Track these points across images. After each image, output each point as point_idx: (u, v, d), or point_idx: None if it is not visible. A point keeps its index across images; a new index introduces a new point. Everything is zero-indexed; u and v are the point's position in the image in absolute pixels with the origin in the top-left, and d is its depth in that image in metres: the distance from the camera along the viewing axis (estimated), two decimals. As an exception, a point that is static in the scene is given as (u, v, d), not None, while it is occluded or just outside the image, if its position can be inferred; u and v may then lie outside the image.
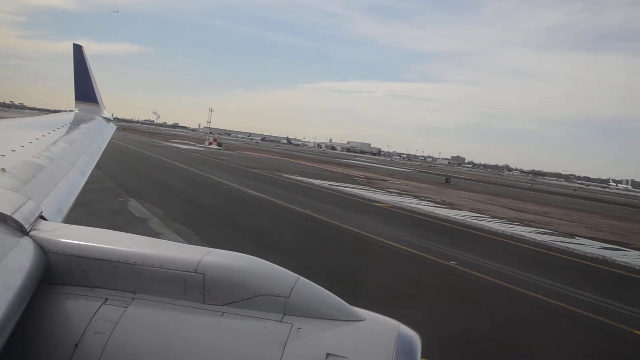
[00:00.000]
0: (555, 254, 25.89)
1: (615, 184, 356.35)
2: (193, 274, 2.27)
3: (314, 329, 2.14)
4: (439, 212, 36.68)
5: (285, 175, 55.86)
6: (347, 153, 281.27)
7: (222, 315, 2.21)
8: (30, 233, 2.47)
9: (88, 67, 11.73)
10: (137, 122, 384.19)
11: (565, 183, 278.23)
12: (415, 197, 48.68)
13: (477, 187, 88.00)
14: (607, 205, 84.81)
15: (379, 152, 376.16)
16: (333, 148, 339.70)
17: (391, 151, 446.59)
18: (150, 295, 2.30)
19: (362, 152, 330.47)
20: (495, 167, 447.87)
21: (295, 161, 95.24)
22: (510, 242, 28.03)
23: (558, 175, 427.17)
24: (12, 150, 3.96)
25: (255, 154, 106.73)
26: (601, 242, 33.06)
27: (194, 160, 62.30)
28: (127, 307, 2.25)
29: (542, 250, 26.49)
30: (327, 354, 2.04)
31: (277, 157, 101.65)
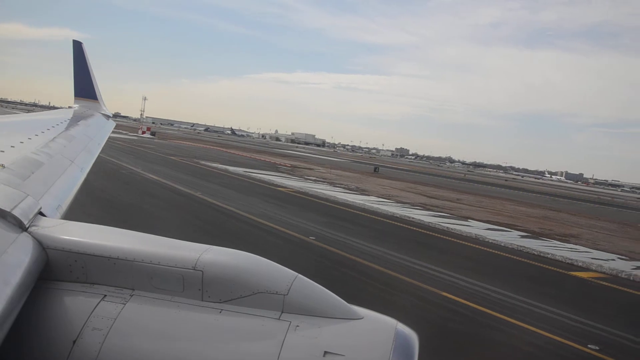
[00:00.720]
0: (430, 233, 26.92)
1: (549, 176, 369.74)
2: (192, 271, 2.28)
3: (312, 327, 2.15)
4: (341, 197, 37.17)
5: (203, 162, 55.42)
6: (290, 144, 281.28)
7: (220, 312, 2.22)
8: (29, 229, 2.47)
9: (88, 63, 11.65)
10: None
11: (502, 174, 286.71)
12: (331, 184, 49.25)
13: (406, 176, 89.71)
14: (527, 194, 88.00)
15: (323, 144, 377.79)
16: (277, 139, 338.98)
17: (336, 142, 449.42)
18: (148, 292, 2.31)
19: (307, 143, 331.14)
20: (439, 159, 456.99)
21: (226, 150, 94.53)
22: (392, 222, 28.87)
23: (498, 167, 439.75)
24: (12, 147, 3.94)
25: (188, 143, 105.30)
26: (492, 224, 34.39)
27: (112, 148, 61.14)
28: (125, 304, 2.25)
29: (417, 230, 27.49)
30: (325, 352, 2.05)
31: (210, 147, 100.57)
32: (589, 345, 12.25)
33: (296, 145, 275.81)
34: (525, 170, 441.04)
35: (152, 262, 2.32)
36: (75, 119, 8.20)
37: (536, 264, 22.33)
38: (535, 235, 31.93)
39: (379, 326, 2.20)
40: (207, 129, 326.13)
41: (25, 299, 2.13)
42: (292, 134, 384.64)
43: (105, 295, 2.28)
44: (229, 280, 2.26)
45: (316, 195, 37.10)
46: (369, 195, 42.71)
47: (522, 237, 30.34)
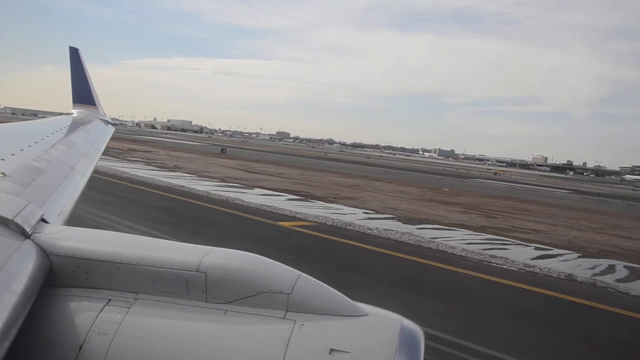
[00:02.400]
0: (176, 197, 29.19)
1: (422, 153, 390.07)
2: (195, 273, 2.30)
3: (317, 325, 2.17)
4: (140, 174, 38.64)
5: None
6: (164, 131, 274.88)
7: (225, 313, 2.25)
8: (32, 236, 2.49)
9: (85, 70, 11.55)
10: None
11: (376, 153, 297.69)
12: (147, 163, 50.32)
13: (252, 156, 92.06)
14: (372, 169, 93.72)
15: (201, 130, 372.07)
16: (153, 127, 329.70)
17: (216, 128, 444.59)
18: (153, 295, 2.33)
19: (184, 130, 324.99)
20: (320, 141, 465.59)
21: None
22: (157, 192, 30.73)
23: (376, 147, 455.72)
24: (12, 154, 3.94)
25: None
26: (275, 191, 37.35)
27: None
28: (130, 308, 2.28)
29: (167, 195, 29.84)
30: (331, 350, 2.07)
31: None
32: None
33: (174, 132, 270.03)
34: (403, 149, 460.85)
35: (155, 266, 2.34)
36: (75, 125, 8.22)
37: (249, 216, 25.20)
38: (307, 198, 35.34)
39: (384, 322, 2.22)
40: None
41: (30, 306, 2.15)
42: (169, 120, 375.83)
43: (109, 300, 2.30)
44: (232, 281, 2.28)
45: (111, 173, 37.86)
46: (176, 172, 44.29)
47: (289, 199, 33.51)
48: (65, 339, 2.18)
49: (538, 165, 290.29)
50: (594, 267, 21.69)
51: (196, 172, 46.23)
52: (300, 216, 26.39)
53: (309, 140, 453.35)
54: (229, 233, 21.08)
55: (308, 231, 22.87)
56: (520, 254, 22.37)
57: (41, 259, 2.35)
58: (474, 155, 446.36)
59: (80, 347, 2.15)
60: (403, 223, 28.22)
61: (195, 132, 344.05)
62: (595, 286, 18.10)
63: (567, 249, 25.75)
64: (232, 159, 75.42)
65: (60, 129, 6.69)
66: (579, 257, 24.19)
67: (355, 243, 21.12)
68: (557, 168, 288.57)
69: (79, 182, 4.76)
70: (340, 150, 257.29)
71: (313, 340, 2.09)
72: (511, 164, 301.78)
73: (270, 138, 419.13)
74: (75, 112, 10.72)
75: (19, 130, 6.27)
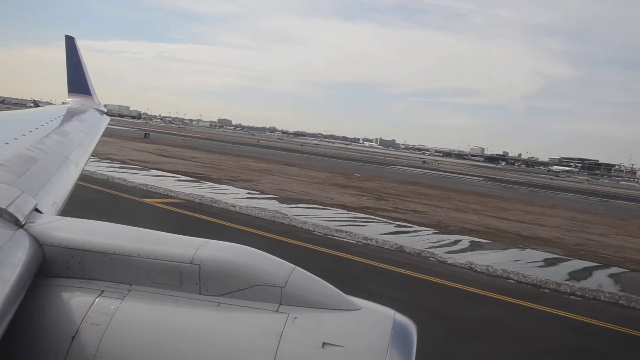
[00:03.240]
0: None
1: (363, 142, 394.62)
2: (189, 265, 2.31)
3: (310, 319, 2.18)
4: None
5: None
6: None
7: (218, 305, 2.25)
8: (25, 226, 2.48)
9: (81, 59, 11.38)
10: None
11: (315, 141, 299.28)
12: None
13: (175, 141, 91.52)
14: (297, 155, 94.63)
15: (139, 116, 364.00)
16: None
17: (155, 114, 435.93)
18: (146, 286, 2.33)
19: (121, 115, 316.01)
20: (262, 129, 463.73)
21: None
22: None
23: (319, 136, 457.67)
24: (5, 143, 3.87)
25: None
26: (178, 174, 37.71)
27: None
28: (123, 299, 2.28)
29: None
30: (324, 343, 2.08)
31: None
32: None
33: (109, 117, 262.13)
34: (345, 138, 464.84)
35: (149, 257, 2.35)
36: (70, 115, 8.15)
37: (116, 193, 25.63)
38: (200, 179, 36.00)
39: (377, 316, 2.25)
40: (4, 100, 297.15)
41: (22, 296, 2.15)
42: (105, 105, 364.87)
43: (102, 291, 2.30)
44: (226, 273, 2.29)
45: None
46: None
47: (179, 180, 34.13)
48: (58, 329, 2.19)
49: (473, 155, 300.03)
50: (436, 242, 23.32)
51: (101, 154, 45.83)
52: (173, 194, 26.99)
53: (250, 128, 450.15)
54: (77, 206, 21.37)
55: (168, 207, 23.57)
56: (372, 231, 23.70)
57: (34, 249, 2.34)
58: (414, 145, 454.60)
59: (73, 337, 2.16)
60: (279, 203, 29.15)
61: (133, 117, 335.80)
62: (420, 256, 19.61)
63: (430, 227, 27.36)
64: (153, 143, 74.75)
65: (55, 118, 6.63)
66: (433, 233, 25.81)
67: (208, 217, 21.99)
68: (490, 159, 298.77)
69: (74, 172, 4.75)
70: (279, 138, 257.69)
71: (306, 334, 2.11)
72: (447, 154, 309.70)
73: (211, 125, 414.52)
74: (70, 101, 10.66)
75: (13, 118, 6.25)
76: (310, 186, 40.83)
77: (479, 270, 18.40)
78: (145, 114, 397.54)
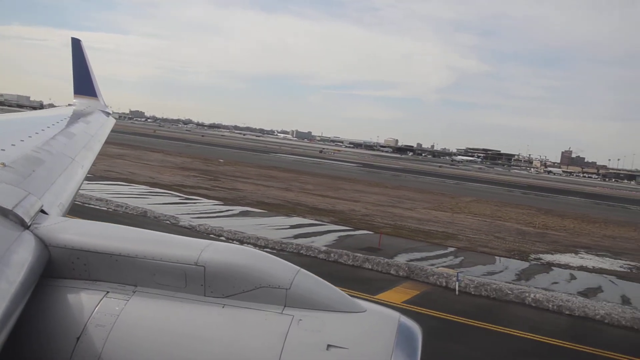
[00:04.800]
0: None
1: (277, 134, 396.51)
2: (194, 266, 2.32)
3: (314, 321, 2.19)
4: None
5: None
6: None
7: (223, 307, 2.27)
8: (31, 227, 2.50)
9: (87, 60, 11.30)
10: None
11: (226, 133, 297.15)
12: None
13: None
14: (181, 144, 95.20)
15: (41, 106, 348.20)
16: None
17: (61, 105, 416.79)
18: (151, 288, 2.34)
19: (20, 106, 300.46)
20: (177, 120, 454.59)
21: None
22: None
23: (235, 128, 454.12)
24: (12, 145, 3.87)
25: None
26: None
27: None
28: (128, 300, 2.29)
29: None
30: (328, 345, 2.10)
31: None
32: None
33: (7, 107, 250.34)
34: (262, 130, 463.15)
35: (154, 259, 2.36)
36: (75, 117, 8.16)
37: None
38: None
39: (382, 319, 2.25)
40: None
41: (28, 297, 2.16)
42: (1, 95, 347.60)
43: (107, 292, 2.32)
44: (231, 275, 2.31)
45: None
46: None
47: None
48: (63, 330, 2.20)
49: (382, 146, 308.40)
50: (203, 211, 26.30)
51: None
52: None
53: (164, 120, 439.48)
54: None
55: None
56: (150, 201, 26.42)
57: (40, 250, 2.35)
58: (329, 137, 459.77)
59: (78, 338, 2.16)
60: (90, 182, 30.91)
61: (34, 107, 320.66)
62: (157, 219, 22.66)
63: (221, 200, 30.35)
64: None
65: (61, 120, 6.62)
66: (215, 204, 28.92)
67: None
68: (399, 149, 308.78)
69: (79, 174, 4.73)
70: (186, 130, 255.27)
71: (310, 336, 2.12)
72: (358, 145, 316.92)
73: (120, 117, 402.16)
74: (76, 102, 10.69)
75: (19, 120, 6.32)
76: (150, 169, 42.75)
77: (200, 230, 21.42)
78: (51, 104, 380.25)
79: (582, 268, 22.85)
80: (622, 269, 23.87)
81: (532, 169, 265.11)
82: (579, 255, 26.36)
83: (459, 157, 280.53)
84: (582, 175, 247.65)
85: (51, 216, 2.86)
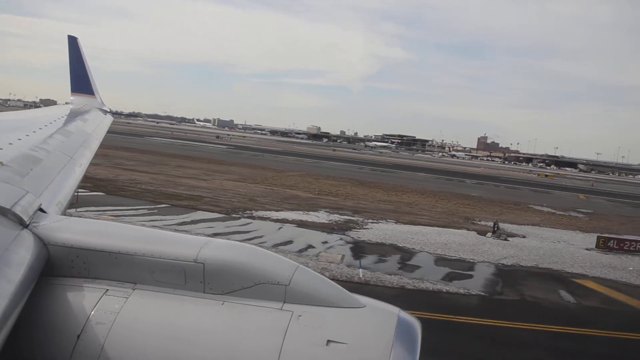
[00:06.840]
0: None
1: (196, 122, 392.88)
2: (193, 263, 2.35)
3: (314, 316, 2.23)
4: None
5: None
6: None
7: (222, 304, 2.30)
8: (30, 226, 2.52)
9: (84, 58, 11.29)
10: None
11: (140, 121, 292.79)
12: None
13: None
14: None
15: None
16: None
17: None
18: (150, 285, 2.38)
19: None
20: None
21: None
22: None
23: (156, 117, 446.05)
24: (10, 144, 3.91)
25: None
26: None
27: None
28: (128, 298, 2.32)
29: None
30: (328, 341, 2.14)
31: None
32: None
33: None
34: (183, 119, 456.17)
35: (153, 256, 2.38)
36: (73, 115, 8.20)
37: None
38: None
39: (381, 314, 2.32)
40: None
41: (28, 296, 2.17)
42: None
43: (107, 290, 2.34)
44: (230, 272, 2.35)
45: None
46: None
47: None
48: (63, 328, 2.25)
49: (297, 133, 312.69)
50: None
51: None
52: None
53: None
54: None
55: None
56: None
57: (39, 249, 2.38)
58: (250, 125, 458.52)
59: (79, 336, 2.21)
60: None
61: None
62: None
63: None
64: None
65: (59, 119, 6.62)
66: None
67: None
68: (314, 136, 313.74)
69: (77, 172, 4.73)
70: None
71: (310, 332, 2.18)
72: (274, 132, 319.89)
73: (25, 105, 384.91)
74: (73, 100, 10.66)
75: (16, 119, 6.29)
76: None
77: None
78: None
79: (282, 220, 26.82)
80: (325, 222, 27.90)
81: (438, 154, 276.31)
82: (306, 213, 30.01)
83: (373, 143, 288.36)
84: (486, 159, 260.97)
85: (50, 215, 2.89)
